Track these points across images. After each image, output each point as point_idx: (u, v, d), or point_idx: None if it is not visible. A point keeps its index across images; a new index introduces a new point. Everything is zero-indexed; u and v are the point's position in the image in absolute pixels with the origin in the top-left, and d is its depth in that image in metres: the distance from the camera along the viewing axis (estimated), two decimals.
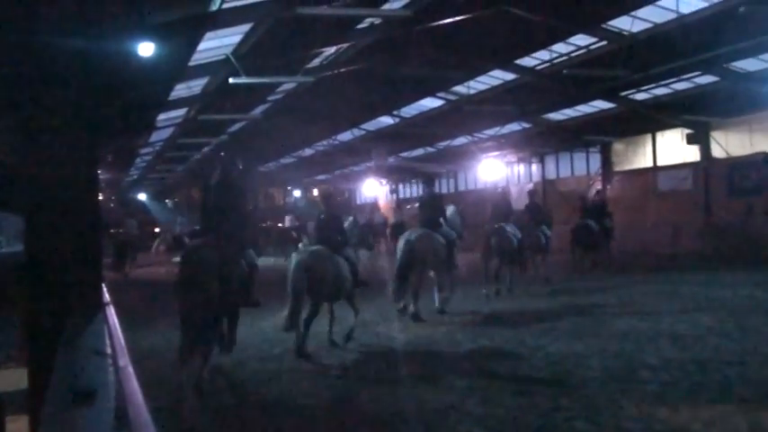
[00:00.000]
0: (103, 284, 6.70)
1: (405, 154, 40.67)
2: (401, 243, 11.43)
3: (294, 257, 8.86)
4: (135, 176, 48.99)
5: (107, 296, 6.86)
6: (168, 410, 6.20)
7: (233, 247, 7.28)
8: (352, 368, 7.92)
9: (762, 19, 16.14)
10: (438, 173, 45.93)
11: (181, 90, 22.49)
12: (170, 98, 22.58)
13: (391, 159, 40.46)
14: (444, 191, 46.20)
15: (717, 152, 26.36)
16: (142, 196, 54.38)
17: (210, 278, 6.77)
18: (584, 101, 26.26)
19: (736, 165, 25.49)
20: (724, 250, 22.84)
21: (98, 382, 4.19)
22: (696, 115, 25.59)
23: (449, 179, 45.56)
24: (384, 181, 50.95)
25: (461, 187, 44.27)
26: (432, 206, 12.32)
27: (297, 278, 8.52)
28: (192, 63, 18.35)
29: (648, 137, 29.51)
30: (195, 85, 22.51)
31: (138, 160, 40.38)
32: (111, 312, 5.96)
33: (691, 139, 26.47)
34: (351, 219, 10.54)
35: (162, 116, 26.02)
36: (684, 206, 26.70)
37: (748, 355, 7.63)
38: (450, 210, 12.89)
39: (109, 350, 4.70)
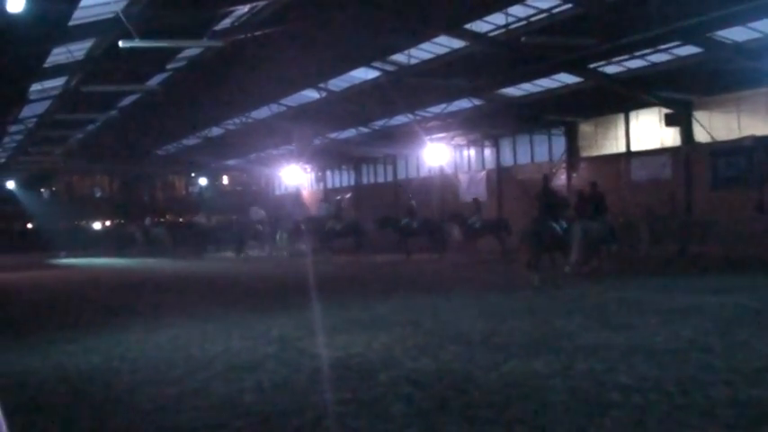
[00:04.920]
0: None
1: (333, 135, 40.60)
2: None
3: None
4: (2, 160, 47.78)
5: None
6: None
7: None
8: (269, 391, 7.85)
9: None
10: (373, 158, 46.04)
11: (59, 55, 22.03)
12: (46, 65, 22.09)
13: (317, 141, 40.36)
14: (381, 179, 46.37)
15: (700, 135, 26.97)
16: (10, 184, 53.00)
17: None
18: (546, 74, 26.61)
19: (721, 150, 26.14)
20: (707, 250, 23.41)
21: None
22: (676, 93, 26.17)
23: (386, 165, 45.72)
24: (309, 167, 50.82)
25: (401, 174, 44.46)
26: None
27: None
28: (73, 22, 17.93)
29: (621, 117, 30.10)
30: (77, 50, 22.08)
31: (6, 140, 39.36)
32: None
33: (669, 121, 27.05)
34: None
35: (35, 86, 25.45)
36: (662, 198, 27.28)
37: (735, 373, 7.80)
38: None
39: None
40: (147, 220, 45.11)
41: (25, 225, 54.82)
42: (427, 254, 29.71)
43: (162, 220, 53.27)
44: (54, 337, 11.73)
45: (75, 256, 41.83)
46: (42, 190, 58.65)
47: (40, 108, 30.63)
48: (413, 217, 31.71)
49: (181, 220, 55.14)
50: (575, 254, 18.65)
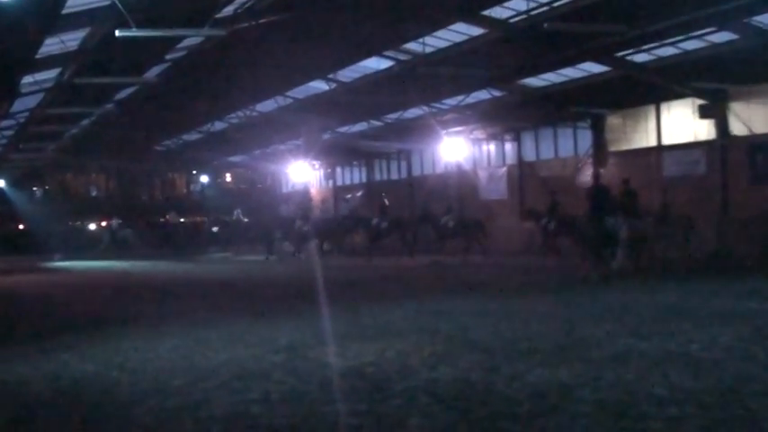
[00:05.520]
0: None
1: (343, 129, 40.62)
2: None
3: None
4: None
5: None
6: None
7: None
8: (277, 403, 7.83)
9: None
10: (386, 153, 46.01)
11: (52, 45, 22.10)
12: (37, 56, 22.14)
13: (326, 136, 40.36)
14: (394, 176, 46.35)
15: (736, 128, 26.82)
16: (1, 183, 53.20)
17: None
18: (571, 63, 26.51)
19: (760, 143, 25.98)
20: (746, 251, 23.29)
21: None
22: (710, 82, 26.03)
23: (400, 161, 45.70)
24: (317, 164, 50.85)
25: (416, 171, 44.42)
26: None
27: None
28: (66, 10, 17.98)
29: (651, 109, 29.98)
30: (71, 39, 22.13)
31: None
32: None
33: (704, 112, 26.91)
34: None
35: (27, 79, 25.52)
36: (696, 195, 27.14)
37: None
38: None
39: None
40: (114, 222, 45.54)
41: (17, 226, 54.95)
42: (440, 256, 29.72)
43: (162, 220, 53.48)
44: (47, 345, 11.75)
45: (70, 259, 41.96)
46: (35, 189, 58.84)
47: (31, 102, 30.72)
48: (384, 216, 31.87)
49: (162, 220, 55.24)
50: (621, 253, 19.05)
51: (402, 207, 38.70)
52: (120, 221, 46.70)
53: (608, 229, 19.49)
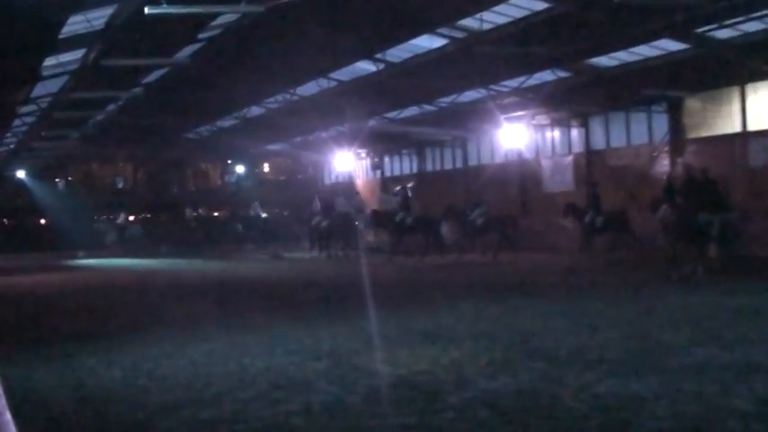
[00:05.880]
0: None
1: (392, 114, 40.62)
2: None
3: None
4: (11, 146, 48.62)
5: None
6: None
7: None
8: (320, 415, 7.87)
9: None
10: (439, 141, 45.97)
11: (77, 24, 22.32)
12: (61, 36, 22.39)
13: (373, 122, 40.41)
14: (448, 165, 46.28)
15: None
16: (21, 174, 53.94)
17: None
18: (645, 40, 26.28)
19: None
20: None
21: None
22: None
23: (455, 149, 45.61)
24: (363, 152, 50.93)
25: (473, 160, 44.31)
26: None
27: None
28: None
29: (735, 91, 29.65)
30: (97, 18, 22.35)
31: (15, 123, 40.04)
32: None
33: None
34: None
35: (49, 61, 25.81)
36: None
37: None
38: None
39: None
40: (122, 217, 46.00)
41: (38, 221, 55.70)
42: (494, 254, 29.66)
43: (195, 214, 53.96)
44: (72, 350, 11.90)
45: (95, 257, 42.47)
46: (57, 180, 59.46)
47: (54, 86, 31.02)
48: (407, 211, 31.81)
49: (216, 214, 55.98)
50: (713, 249, 19.07)
51: (458, 198, 38.57)
52: (130, 216, 47.21)
53: (700, 225, 19.46)
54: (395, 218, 31.75)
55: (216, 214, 58.56)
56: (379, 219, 33.69)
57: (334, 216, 35.77)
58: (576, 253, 29.02)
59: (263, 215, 48.95)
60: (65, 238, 47.22)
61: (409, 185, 43.92)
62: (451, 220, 31.97)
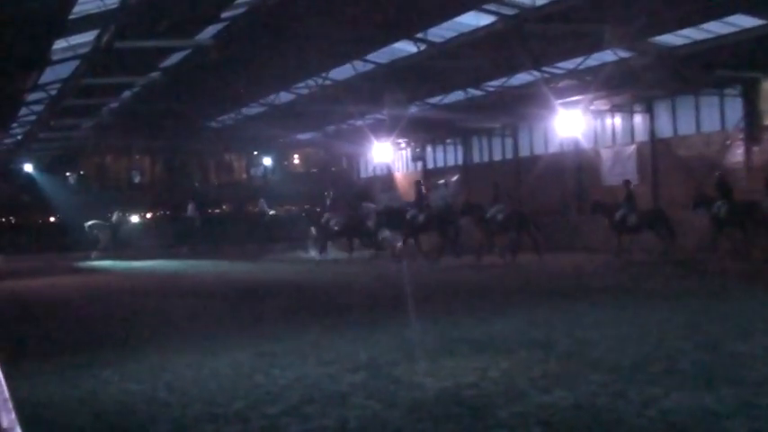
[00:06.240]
0: None
1: (435, 100, 40.59)
2: None
3: None
4: (18, 137, 49.06)
5: None
6: None
7: None
8: None
9: None
10: (487, 129, 45.87)
11: (89, 3, 22.45)
12: (72, 15, 22.56)
13: (414, 109, 40.39)
14: (497, 156, 46.18)
15: None
16: (28, 167, 54.37)
17: None
18: (717, 16, 26.08)
19: None
20: None
21: None
22: None
23: (504, 138, 45.46)
24: (403, 142, 50.93)
25: (524, 150, 44.16)
26: None
27: None
28: None
29: None
30: None
31: (22, 112, 40.41)
32: None
33: None
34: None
35: (59, 43, 26.01)
36: None
37: None
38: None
39: None
40: (116, 216, 46.05)
41: (47, 219, 56.13)
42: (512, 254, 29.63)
43: (210, 210, 54.33)
44: (85, 360, 12.00)
45: (109, 258, 42.72)
46: (68, 174, 59.81)
47: (64, 71, 31.19)
48: (421, 208, 31.75)
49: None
50: None
51: (509, 195, 38.47)
52: (123, 214, 47.27)
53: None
54: (406, 215, 31.84)
55: (217, 210, 58.78)
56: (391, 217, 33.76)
57: (351, 215, 35.91)
58: (616, 253, 28.99)
59: (271, 212, 49.06)
60: (76, 238, 47.42)
61: (453, 179, 43.90)
62: (469, 218, 31.93)
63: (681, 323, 13.28)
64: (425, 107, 41.07)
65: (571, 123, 36.44)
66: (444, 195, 36.34)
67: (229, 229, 50.32)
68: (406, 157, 53.65)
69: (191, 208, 48.46)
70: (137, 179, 61.03)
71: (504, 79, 34.92)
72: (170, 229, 50.36)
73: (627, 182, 31.54)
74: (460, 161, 49.26)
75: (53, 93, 34.98)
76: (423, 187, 34.22)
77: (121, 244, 44.44)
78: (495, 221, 30.28)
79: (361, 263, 31.99)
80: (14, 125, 43.77)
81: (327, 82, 36.80)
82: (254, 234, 48.04)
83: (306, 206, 46.07)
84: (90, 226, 44.65)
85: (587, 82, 33.09)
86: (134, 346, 13.35)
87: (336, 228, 35.00)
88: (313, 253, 36.10)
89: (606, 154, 38.46)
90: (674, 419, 7.73)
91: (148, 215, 56.78)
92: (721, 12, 25.27)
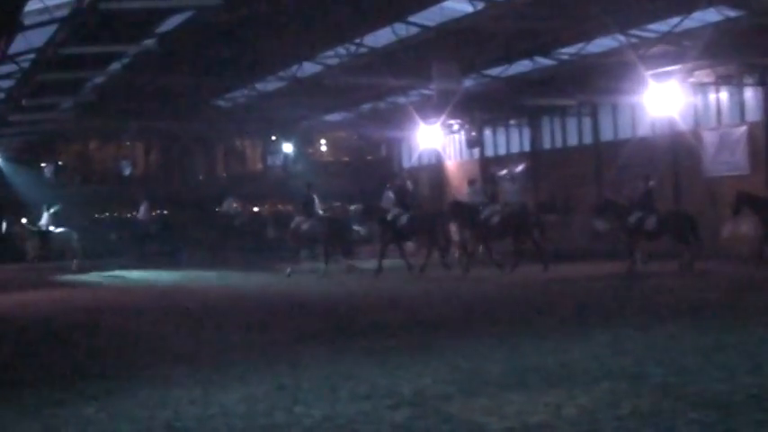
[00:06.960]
0: None
1: (495, 72, 40.51)
2: None
3: None
4: None
5: None
6: None
7: None
8: None
9: None
10: (559, 107, 45.75)
11: None
12: None
13: (468, 82, 40.35)
14: (572, 140, 46.07)
15: None
16: None
17: None
18: None
19: None
20: None
21: None
22: None
23: (581, 118, 45.33)
24: (456, 124, 50.89)
25: (606, 134, 44.02)
26: None
27: None
28: None
29: None
30: None
31: None
32: None
33: None
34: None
35: (33, 4, 26.19)
36: None
37: None
38: None
39: None
40: (45, 218, 45.88)
41: (18, 220, 56.27)
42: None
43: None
44: (64, 396, 12.07)
45: (94, 268, 42.74)
46: (43, 165, 59.94)
47: (39, 38, 31.38)
48: (405, 207, 31.82)
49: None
50: None
51: (586, 184, 38.35)
52: (54, 215, 46.94)
53: None
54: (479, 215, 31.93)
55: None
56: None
57: (421, 213, 35.99)
58: (643, 261, 29.08)
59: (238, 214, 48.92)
60: (54, 245, 47.35)
61: (518, 169, 43.86)
62: (458, 220, 32.04)
63: None
64: (483, 80, 41.08)
65: (665, 100, 36.28)
66: (514, 191, 36.01)
67: (192, 234, 50.04)
68: (460, 142, 53.56)
69: (143, 209, 47.90)
70: (127, 171, 60.69)
71: (580, 45, 34.82)
72: (115, 234, 50.12)
73: (645, 176, 31.34)
74: (527, 147, 49.16)
75: (25, 65, 35.20)
76: (408, 183, 34.36)
77: (54, 255, 44.12)
78: (490, 224, 30.29)
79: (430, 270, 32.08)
80: None
81: (362, 50, 36.82)
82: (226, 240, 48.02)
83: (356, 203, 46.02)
84: (10, 232, 44.25)
85: (685, 48, 32.90)
86: (125, 377, 13.40)
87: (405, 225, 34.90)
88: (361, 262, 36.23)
89: (709, 137, 38.25)
90: None
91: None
92: None
